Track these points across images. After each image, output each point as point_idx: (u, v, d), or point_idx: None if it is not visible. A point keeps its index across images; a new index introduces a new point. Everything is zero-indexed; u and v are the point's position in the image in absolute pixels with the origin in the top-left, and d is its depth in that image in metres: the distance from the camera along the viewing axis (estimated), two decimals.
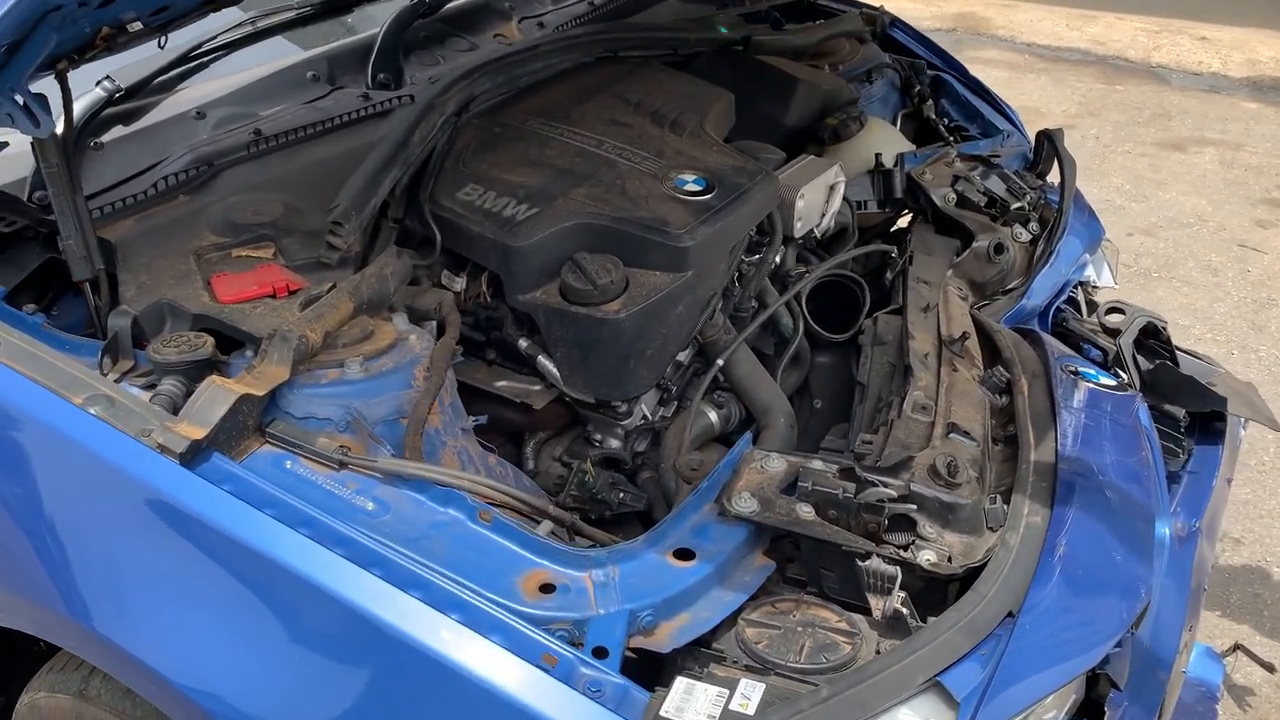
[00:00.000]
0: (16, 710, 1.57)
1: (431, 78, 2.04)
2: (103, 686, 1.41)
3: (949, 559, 1.34)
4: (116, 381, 1.35)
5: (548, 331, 1.69)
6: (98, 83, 1.71)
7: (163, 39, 1.53)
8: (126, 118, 1.76)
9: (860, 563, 1.29)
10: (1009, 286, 2.20)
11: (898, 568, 1.29)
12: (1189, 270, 4.32)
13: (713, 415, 1.84)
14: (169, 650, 1.22)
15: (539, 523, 1.33)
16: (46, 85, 1.44)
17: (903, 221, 2.38)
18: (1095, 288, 2.32)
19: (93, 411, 1.26)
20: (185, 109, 1.82)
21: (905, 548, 1.34)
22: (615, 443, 1.85)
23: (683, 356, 1.84)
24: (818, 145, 2.31)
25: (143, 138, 1.75)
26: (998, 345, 1.88)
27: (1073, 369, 1.81)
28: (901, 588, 1.29)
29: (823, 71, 2.43)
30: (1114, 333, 2.09)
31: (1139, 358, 2.03)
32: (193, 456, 1.22)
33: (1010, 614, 1.28)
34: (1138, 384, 1.99)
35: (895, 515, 1.38)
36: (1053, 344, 1.89)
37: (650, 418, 1.84)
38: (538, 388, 1.80)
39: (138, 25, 1.42)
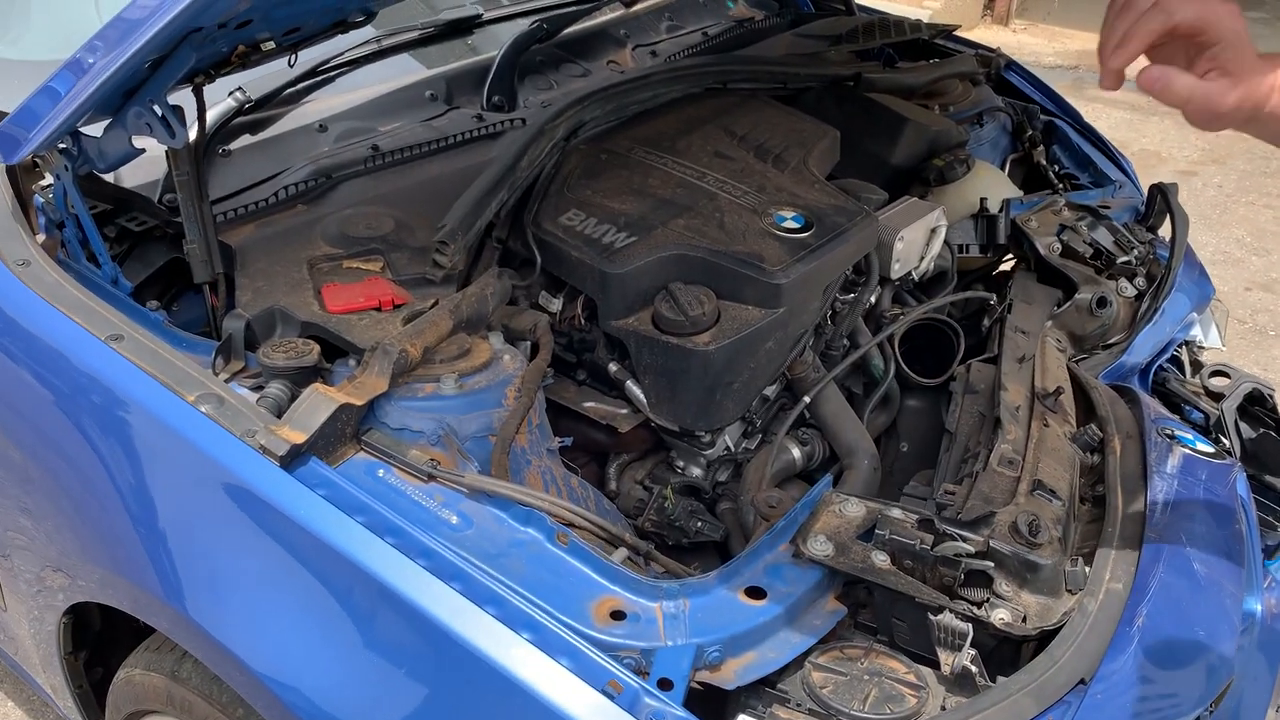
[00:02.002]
0: (114, 683, 1.67)
1: (544, 102, 2.09)
2: (194, 670, 1.49)
3: (1023, 619, 1.33)
4: (227, 381, 1.42)
5: (637, 358, 1.72)
6: (230, 93, 1.80)
7: (293, 57, 1.61)
8: (254, 127, 1.84)
9: (932, 616, 1.29)
10: (1110, 341, 2.16)
11: (970, 624, 1.28)
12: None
13: (796, 452, 1.85)
14: (255, 641, 1.28)
15: (615, 549, 1.36)
16: (183, 96, 1.53)
17: (1005, 267, 2.36)
18: (1201, 348, 2.26)
19: (203, 409, 1.33)
20: (309, 121, 1.90)
21: (980, 605, 1.34)
22: (697, 471, 1.87)
23: (770, 391, 1.86)
24: (923, 186, 2.30)
25: (268, 147, 1.84)
26: (1093, 401, 1.85)
27: (1169, 432, 1.77)
28: (972, 645, 1.28)
29: (932, 112, 2.42)
30: (1217, 396, 2.03)
31: (1241, 425, 1.97)
32: (292, 460, 1.28)
33: (1082, 681, 1.26)
34: (1238, 452, 1.93)
35: (972, 571, 1.37)
36: (1150, 404, 1.85)
37: (733, 449, 1.86)
38: (624, 411, 1.83)
39: (271, 44, 1.50)
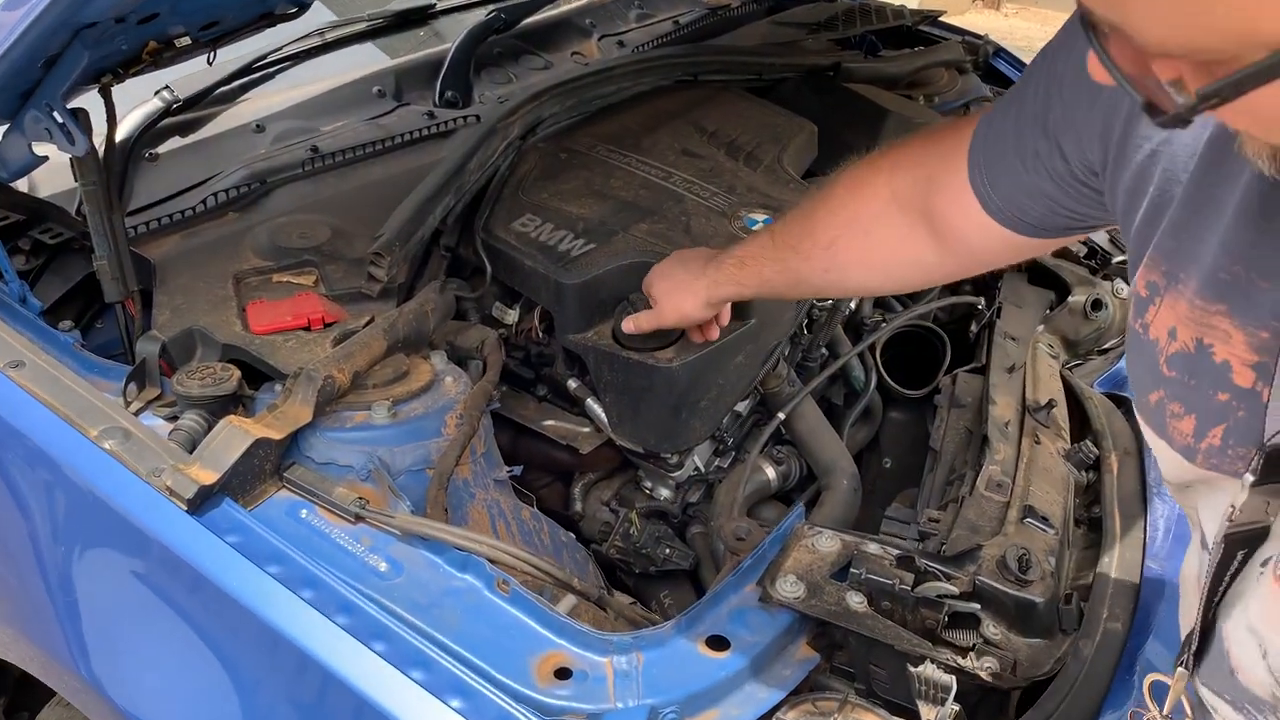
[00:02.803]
0: None
1: (500, 97, 1.96)
2: None
3: (1013, 668, 1.20)
4: (138, 413, 1.30)
5: (597, 375, 1.59)
6: (156, 92, 1.67)
7: (212, 55, 1.48)
8: (185, 129, 1.72)
9: (912, 668, 1.16)
10: (1105, 346, 2.04)
11: (953, 676, 1.15)
12: None
13: (770, 472, 1.73)
14: (158, 710, 1.15)
15: (562, 595, 1.23)
16: (92, 99, 1.40)
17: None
18: None
19: (106, 446, 1.21)
20: (245, 121, 1.77)
21: (966, 651, 1.21)
22: (666, 492, 1.75)
23: (742, 407, 1.73)
24: None
25: (199, 150, 1.71)
26: (1088, 414, 1.73)
27: None
28: (956, 698, 1.16)
29: (916, 104, 2.29)
30: None
31: None
32: (200, 503, 1.15)
33: None
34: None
35: (957, 612, 1.25)
36: None
37: (704, 469, 1.73)
38: (586, 430, 1.70)
39: (186, 40, 1.36)
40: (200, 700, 1.13)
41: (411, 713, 1.02)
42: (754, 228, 1.67)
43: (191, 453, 1.23)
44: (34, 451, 1.23)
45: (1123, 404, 1.79)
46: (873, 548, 1.31)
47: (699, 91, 2.09)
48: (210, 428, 1.27)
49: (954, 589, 1.24)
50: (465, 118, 1.87)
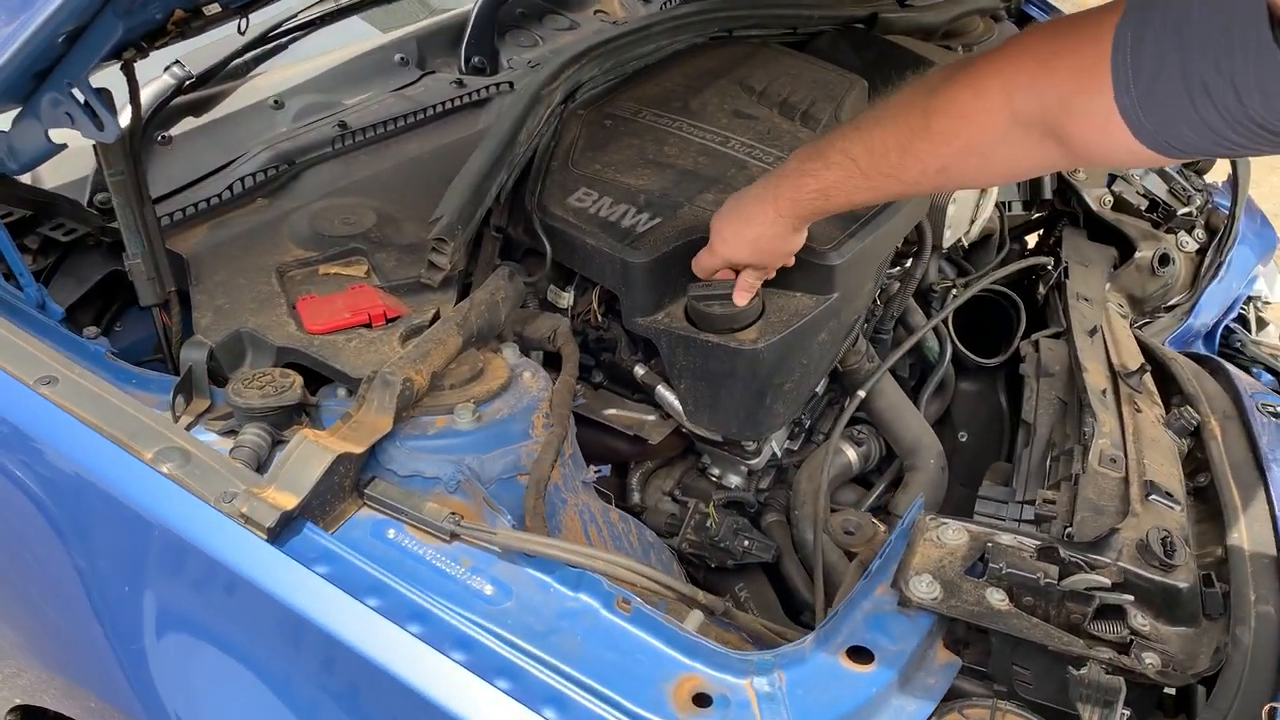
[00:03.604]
0: None
1: (531, 62, 1.82)
2: None
3: (1177, 664, 1.11)
4: (189, 428, 1.16)
5: (670, 360, 1.47)
6: (166, 69, 1.51)
7: (243, 22, 1.33)
8: (197, 108, 1.56)
9: (1074, 671, 1.07)
10: (1171, 303, 1.95)
11: (1120, 679, 1.06)
12: None
13: (851, 453, 1.62)
14: None
15: (687, 610, 1.12)
16: (109, 76, 1.25)
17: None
18: (1267, 304, 2.06)
19: (164, 470, 1.07)
20: (262, 97, 1.62)
21: (1124, 648, 1.12)
22: (737, 479, 1.64)
23: (818, 387, 1.62)
24: None
25: (215, 131, 1.56)
26: (1174, 377, 1.64)
27: (1272, 408, 1.57)
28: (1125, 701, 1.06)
29: (955, 53, 2.17)
30: None
31: None
32: (282, 530, 1.02)
33: None
34: None
35: (1104, 605, 1.15)
36: (1240, 378, 1.64)
37: (778, 454, 1.62)
38: (652, 418, 1.59)
39: (215, 7, 1.21)
40: None
41: None
42: None
43: (259, 471, 1.10)
44: (80, 481, 1.09)
45: (1207, 364, 1.70)
46: (1006, 539, 1.21)
47: (738, 49, 1.95)
48: (275, 442, 1.15)
49: (1104, 580, 1.14)
50: (498, 85, 1.73)
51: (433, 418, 1.17)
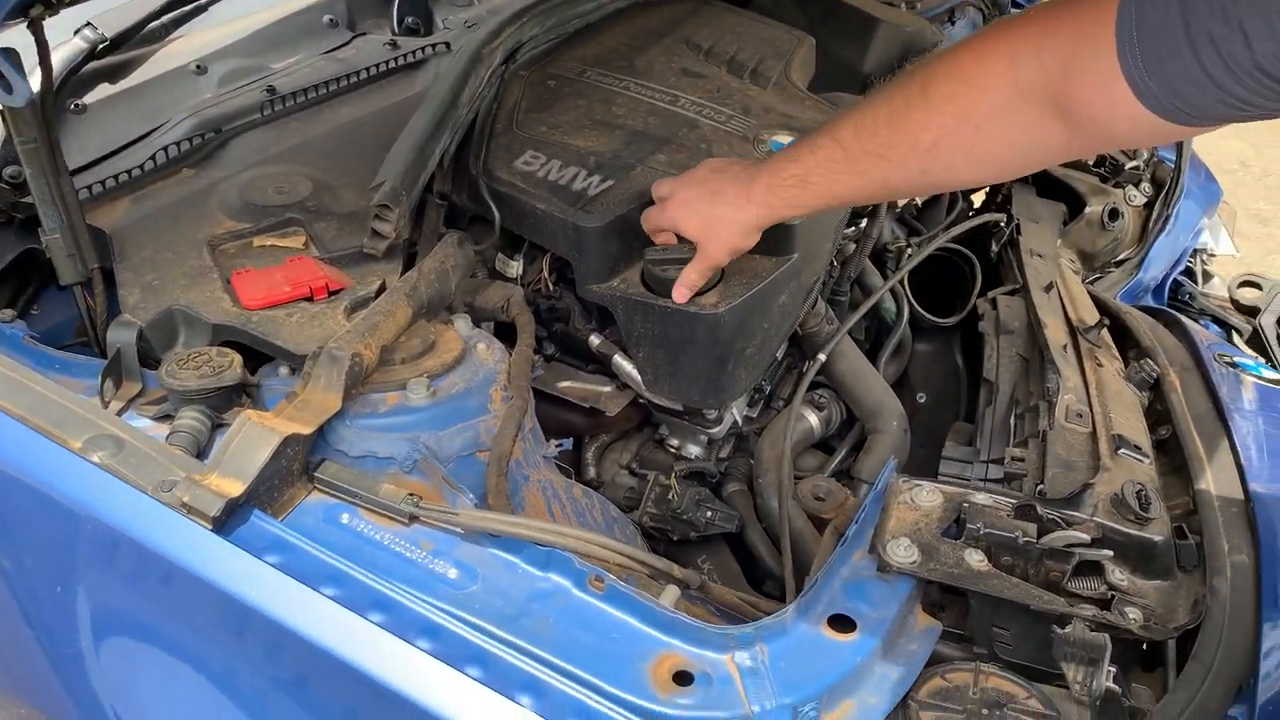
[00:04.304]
0: None
1: (467, 22, 1.74)
2: None
3: (1158, 619, 1.10)
4: (120, 413, 1.08)
5: (628, 328, 1.42)
6: (76, 31, 1.41)
7: None
8: (113, 74, 1.46)
9: (1058, 629, 1.05)
10: (1120, 257, 1.95)
11: (1105, 635, 1.04)
12: (1238, 221, 4.07)
13: (813, 419, 1.59)
14: None
15: (662, 586, 1.07)
16: (16, 38, 1.15)
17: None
18: (1212, 256, 2.07)
19: (95, 459, 0.99)
20: (183, 62, 1.52)
21: (1105, 604, 1.10)
22: (695, 449, 1.60)
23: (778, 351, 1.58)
24: None
25: (134, 98, 1.46)
26: (1131, 331, 1.63)
27: (1229, 359, 1.57)
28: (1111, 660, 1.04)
29: (901, 10, 2.14)
30: (1251, 310, 1.84)
31: None
32: (227, 519, 0.95)
33: (1240, 688, 1.04)
34: None
35: (1083, 561, 1.13)
36: (1196, 330, 1.64)
37: (739, 421, 1.58)
38: (608, 389, 1.53)
39: None
40: None
41: None
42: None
43: (200, 458, 1.03)
44: (2, 475, 1.01)
45: (1160, 318, 1.70)
46: (982, 498, 1.19)
47: (680, 6, 1.90)
48: (214, 426, 1.07)
49: (1084, 536, 1.12)
50: (434, 46, 1.65)
51: (384, 394, 1.10)
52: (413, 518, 1.02)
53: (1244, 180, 4.35)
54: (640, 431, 1.67)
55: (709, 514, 1.50)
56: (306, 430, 1.02)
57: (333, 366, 1.05)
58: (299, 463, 1.03)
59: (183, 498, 0.96)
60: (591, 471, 1.65)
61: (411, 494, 1.03)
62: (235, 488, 0.96)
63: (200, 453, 1.05)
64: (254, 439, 0.99)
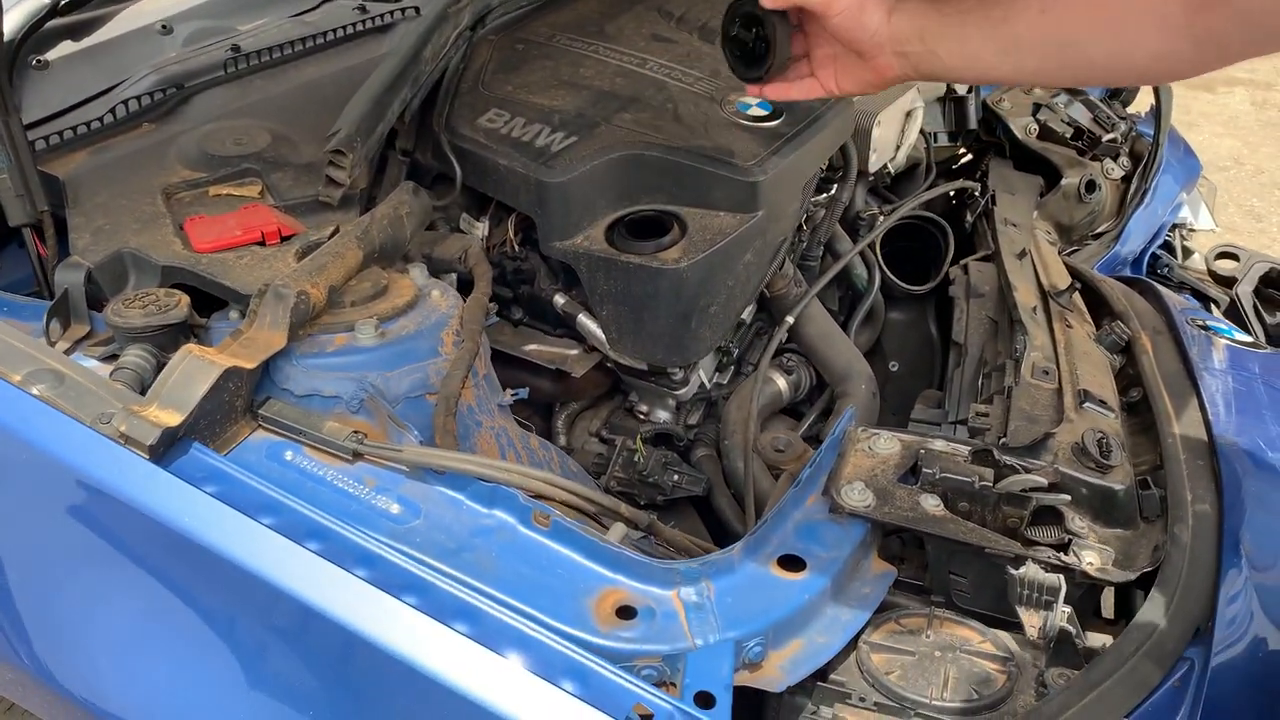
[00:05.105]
0: None
1: None
2: None
3: (1113, 561, 1.08)
4: (66, 353, 1.07)
5: (591, 286, 1.41)
6: None
7: None
8: (76, 31, 1.46)
9: (1013, 570, 1.03)
10: (1098, 230, 1.94)
11: (1060, 576, 1.02)
12: (1231, 216, 4.07)
13: (781, 382, 1.58)
14: (136, 698, 0.94)
15: (609, 525, 1.06)
16: None
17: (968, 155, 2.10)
18: (1192, 230, 2.05)
19: (35, 391, 0.98)
20: (148, 22, 1.51)
21: (1061, 548, 1.08)
22: (664, 415, 1.58)
23: (745, 314, 1.57)
24: None
25: (97, 55, 1.46)
26: (1104, 296, 1.62)
27: (1201, 323, 1.55)
28: (1065, 600, 1.03)
29: None
30: (1228, 281, 1.82)
31: (1261, 309, 1.77)
32: (166, 449, 0.94)
33: (1198, 630, 1.02)
34: (1261, 338, 1.73)
35: (1041, 507, 1.12)
36: (1170, 296, 1.63)
37: (707, 385, 1.57)
38: (575, 352, 1.52)
39: None
40: (189, 679, 0.93)
41: (463, 671, 0.84)
42: (747, 110, 1.49)
43: (143, 394, 1.01)
44: None
45: (1136, 285, 1.68)
46: (939, 444, 1.17)
47: None
48: (160, 365, 1.06)
49: (1041, 480, 1.11)
50: (403, 9, 1.65)
51: (332, 335, 1.09)
52: (356, 455, 1.01)
53: (1238, 177, 4.34)
54: (610, 399, 1.65)
55: (675, 477, 1.48)
56: (249, 365, 1.00)
57: (278, 304, 1.04)
58: (242, 399, 1.02)
59: (120, 427, 0.94)
60: (562, 440, 1.63)
61: (356, 431, 1.02)
62: (173, 418, 0.95)
63: (144, 390, 1.03)
64: (194, 371, 0.97)
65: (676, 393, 1.53)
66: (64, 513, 0.97)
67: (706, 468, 1.55)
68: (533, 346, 1.53)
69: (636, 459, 1.49)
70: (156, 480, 0.93)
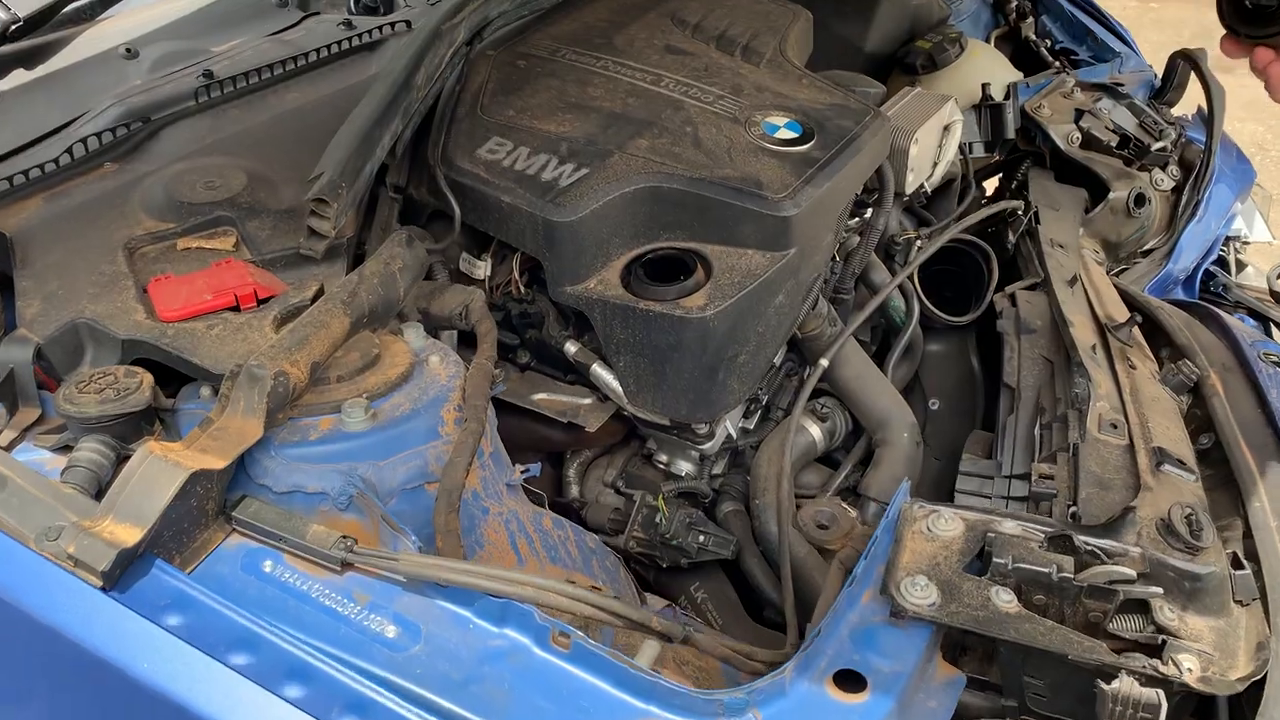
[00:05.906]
0: None
1: None
2: None
3: (1216, 666, 0.95)
4: (10, 446, 0.93)
5: (606, 334, 1.27)
6: None
7: None
8: (29, 58, 1.31)
9: (1103, 685, 0.89)
10: (1147, 246, 1.79)
11: (1159, 691, 0.89)
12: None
13: (815, 430, 1.44)
14: None
15: (641, 640, 0.92)
16: None
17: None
18: (1246, 243, 1.91)
19: None
20: (110, 46, 1.37)
21: (1155, 651, 0.95)
22: (686, 466, 1.45)
23: (775, 358, 1.43)
24: (908, 75, 1.88)
25: (52, 85, 1.32)
26: (1164, 327, 1.48)
27: (1275, 357, 1.41)
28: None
29: None
30: None
31: None
32: (121, 573, 0.81)
33: None
34: None
35: (1127, 599, 0.98)
36: (1237, 326, 1.49)
37: (734, 435, 1.43)
38: (588, 401, 1.39)
39: None
40: None
41: None
42: (775, 133, 1.35)
43: (98, 499, 0.87)
44: None
45: (1195, 312, 1.54)
46: (1010, 526, 1.03)
47: None
48: (120, 458, 0.92)
49: (1129, 572, 0.97)
50: (393, 25, 1.50)
51: (315, 419, 0.96)
52: (345, 565, 0.88)
53: (1263, 165, 4.18)
54: (626, 446, 1.52)
55: (701, 538, 1.35)
56: (219, 464, 0.87)
57: (253, 388, 0.91)
58: (212, 502, 0.88)
59: (68, 548, 0.81)
60: (574, 490, 1.50)
61: (345, 536, 0.88)
62: (131, 535, 0.81)
63: (100, 492, 0.90)
64: (155, 476, 0.84)
65: (701, 446, 1.39)
66: (15, 653, 0.84)
67: (734, 525, 1.41)
68: (541, 395, 1.40)
69: (658, 518, 1.35)
70: (109, 614, 0.79)
